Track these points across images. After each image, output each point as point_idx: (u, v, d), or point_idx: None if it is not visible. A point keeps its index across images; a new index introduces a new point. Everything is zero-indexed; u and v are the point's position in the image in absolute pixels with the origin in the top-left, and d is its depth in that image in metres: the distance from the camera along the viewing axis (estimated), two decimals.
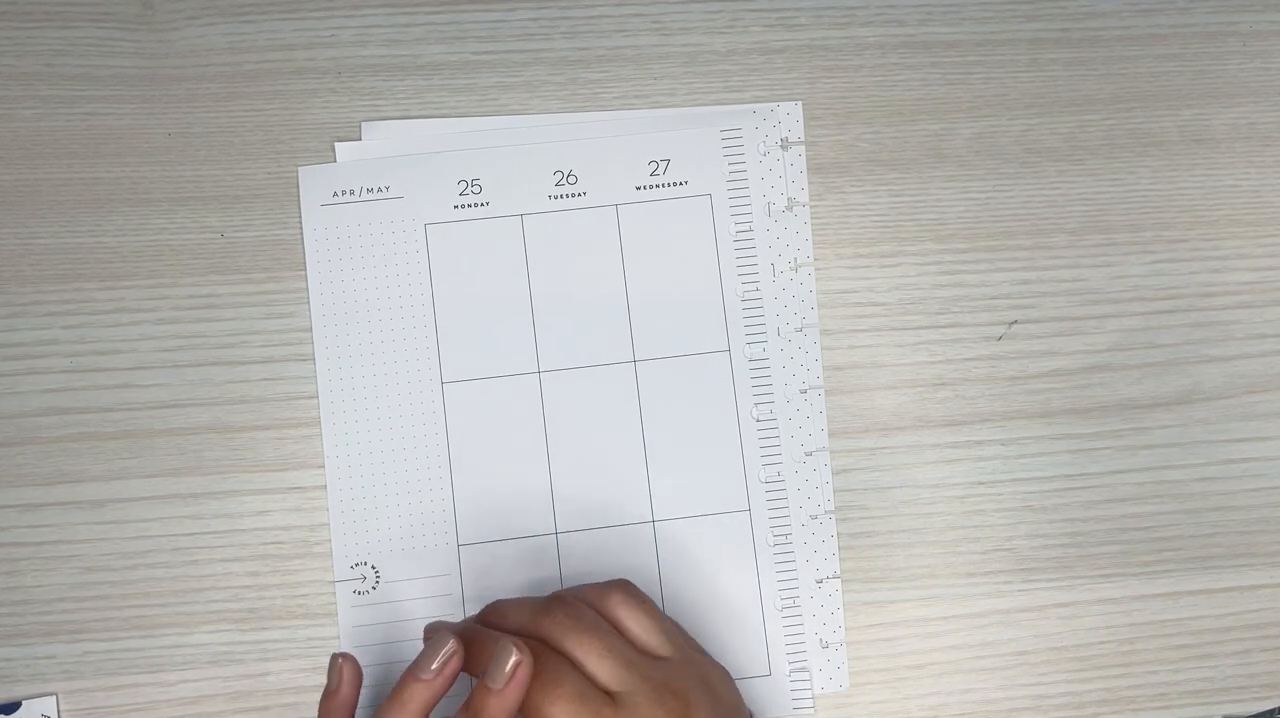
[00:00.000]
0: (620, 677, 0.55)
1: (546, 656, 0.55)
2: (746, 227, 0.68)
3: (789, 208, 0.68)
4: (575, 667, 0.55)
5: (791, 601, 0.66)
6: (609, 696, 0.55)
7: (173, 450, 0.65)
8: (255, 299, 0.66)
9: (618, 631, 0.57)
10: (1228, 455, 0.68)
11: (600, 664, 0.55)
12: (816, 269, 0.67)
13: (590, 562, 0.66)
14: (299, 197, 0.67)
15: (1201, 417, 0.68)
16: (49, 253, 0.66)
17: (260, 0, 0.68)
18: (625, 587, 0.59)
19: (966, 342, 0.68)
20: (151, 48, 0.67)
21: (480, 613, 0.59)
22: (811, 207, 0.68)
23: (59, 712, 0.64)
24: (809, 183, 0.68)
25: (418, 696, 0.55)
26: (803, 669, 0.66)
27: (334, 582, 0.65)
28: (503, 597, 0.60)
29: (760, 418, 0.67)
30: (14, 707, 0.63)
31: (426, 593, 0.65)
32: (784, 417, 0.67)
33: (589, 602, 0.58)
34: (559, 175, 0.67)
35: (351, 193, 0.67)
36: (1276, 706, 0.67)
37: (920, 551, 0.67)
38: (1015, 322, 0.68)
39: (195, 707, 0.64)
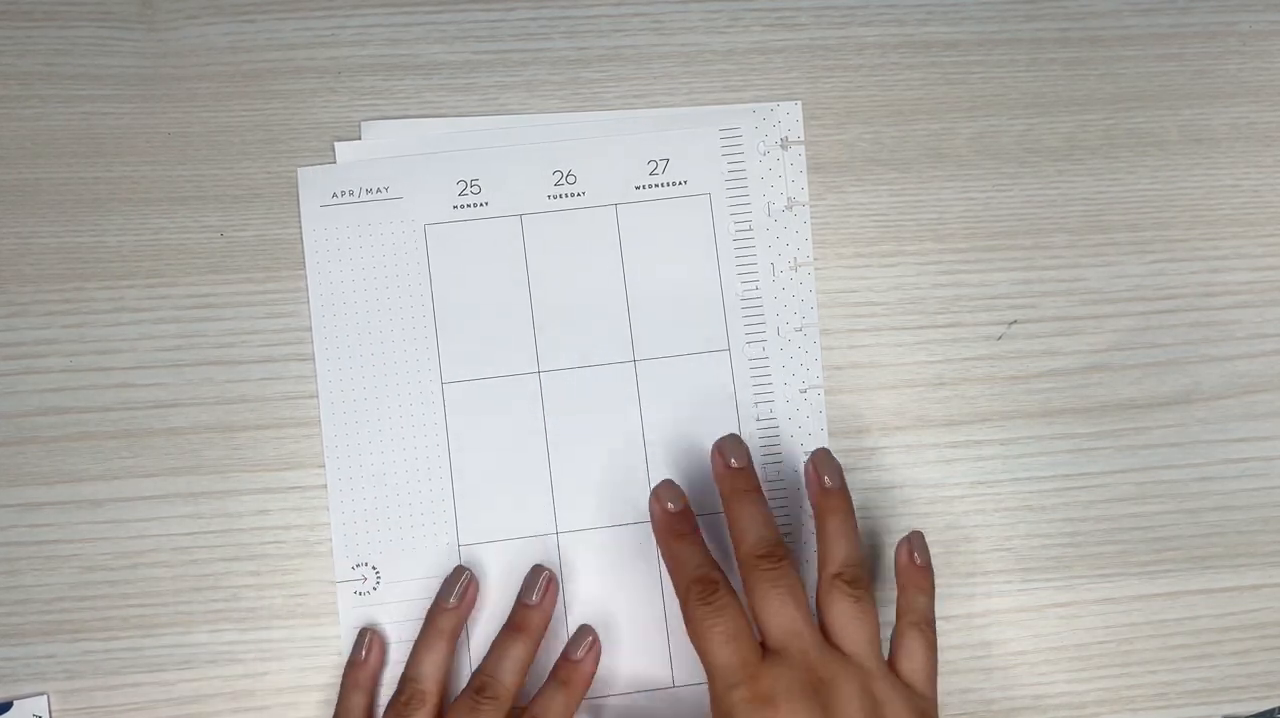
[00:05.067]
0: (785, 640, 0.57)
1: (722, 591, 0.58)
2: (746, 226, 0.68)
3: (789, 207, 0.68)
4: (744, 610, 0.58)
5: None
6: (764, 649, 0.57)
7: (172, 450, 0.65)
8: (255, 299, 0.66)
9: (821, 612, 0.59)
10: (1227, 455, 0.68)
11: (772, 618, 0.58)
12: (816, 269, 0.67)
13: (590, 561, 0.66)
14: (298, 198, 0.67)
15: (1201, 417, 0.68)
16: (49, 252, 0.66)
17: (260, 0, 0.68)
18: (866, 591, 0.60)
19: (966, 341, 0.68)
20: (151, 47, 0.67)
21: (739, 491, 0.62)
22: (811, 206, 0.68)
23: (50, 711, 0.64)
24: (809, 182, 0.68)
25: (448, 622, 0.63)
26: None
27: (335, 582, 0.65)
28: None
29: (760, 418, 0.67)
30: (6, 707, 0.63)
31: (428, 593, 0.64)
32: (784, 416, 0.67)
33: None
34: (558, 175, 0.67)
35: (351, 193, 0.67)
36: (1276, 706, 0.67)
37: None
38: (1015, 321, 0.68)
39: (195, 707, 0.64)
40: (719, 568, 0.60)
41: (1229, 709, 0.67)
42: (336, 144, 0.67)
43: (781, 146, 0.68)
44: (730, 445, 0.62)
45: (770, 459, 0.67)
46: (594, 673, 0.64)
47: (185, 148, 0.67)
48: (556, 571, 0.66)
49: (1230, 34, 0.70)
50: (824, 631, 0.58)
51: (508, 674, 0.61)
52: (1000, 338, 0.68)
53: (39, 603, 0.65)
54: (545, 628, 0.64)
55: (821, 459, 0.62)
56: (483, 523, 0.66)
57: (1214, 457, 0.68)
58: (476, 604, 0.65)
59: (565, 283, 0.67)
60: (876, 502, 0.67)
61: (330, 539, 0.65)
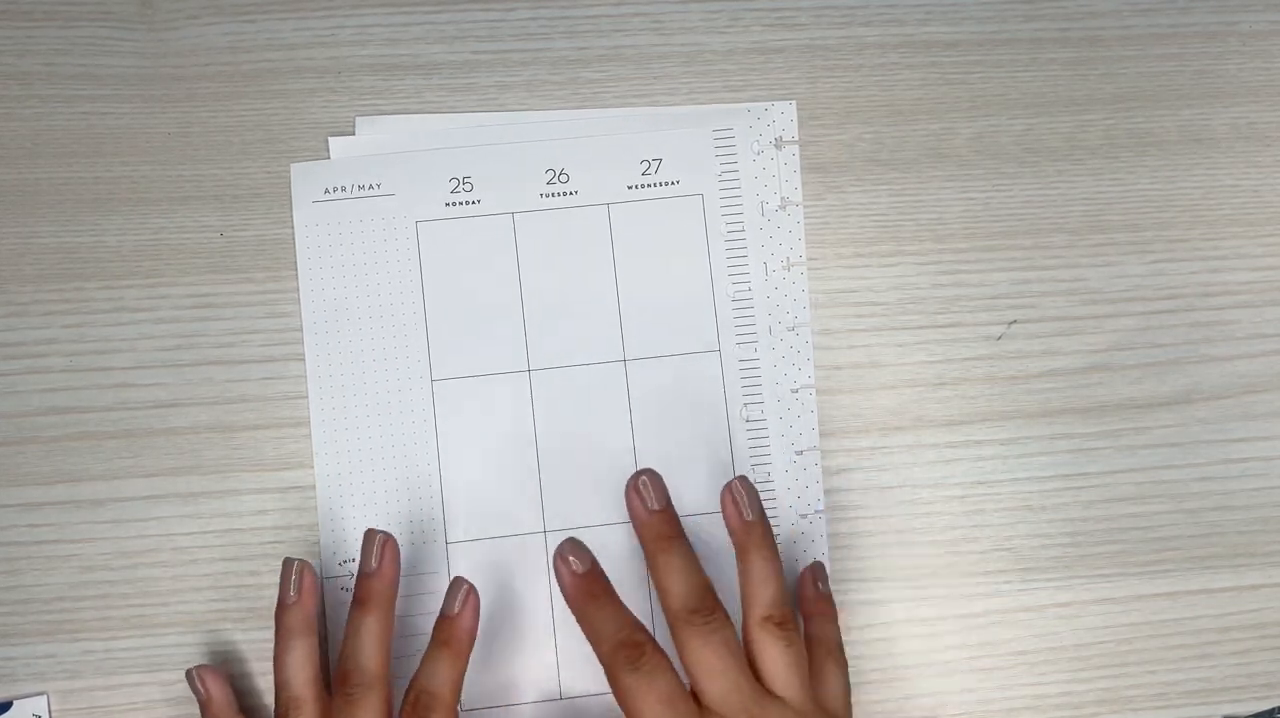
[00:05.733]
0: (723, 697, 0.55)
1: (649, 653, 0.56)
2: (739, 226, 0.68)
3: (782, 207, 0.68)
4: (675, 671, 0.56)
5: None
6: (700, 705, 0.55)
7: (172, 450, 0.66)
8: (254, 298, 0.66)
9: (751, 656, 0.58)
10: (1227, 455, 0.68)
11: (709, 677, 0.56)
12: (816, 269, 0.67)
13: None
14: (290, 193, 0.67)
15: (1201, 417, 0.68)
16: (49, 252, 0.66)
17: (260, 0, 0.68)
18: (795, 631, 0.58)
19: (966, 341, 0.68)
20: (151, 47, 0.68)
21: (662, 545, 0.59)
22: (811, 206, 0.68)
23: (50, 711, 0.64)
24: (809, 182, 0.68)
25: (295, 618, 0.60)
26: None
27: (322, 578, 0.65)
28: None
29: (750, 418, 0.67)
30: (6, 707, 0.63)
31: (414, 590, 0.65)
32: (774, 416, 0.67)
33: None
34: (551, 174, 0.67)
35: (343, 189, 0.67)
36: (1276, 706, 0.67)
37: (919, 550, 0.67)
38: (1015, 321, 0.68)
39: (195, 707, 0.64)
40: (642, 628, 0.57)
41: (1229, 709, 0.67)
42: (330, 138, 0.67)
43: (775, 146, 0.68)
44: (646, 485, 0.60)
45: (760, 460, 0.67)
46: (475, 627, 0.60)
47: (185, 148, 0.67)
48: (544, 569, 0.66)
49: (1230, 34, 0.70)
50: (755, 673, 0.57)
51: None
52: (1000, 338, 0.68)
53: (39, 603, 0.65)
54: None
55: (738, 489, 0.61)
56: (470, 521, 0.66)
57: (1214, 457, 0.68)
58: None
59: (556, 282, 0.67)
60: (876, 502, 0.67)
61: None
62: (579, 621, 0.58)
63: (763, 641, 0.57)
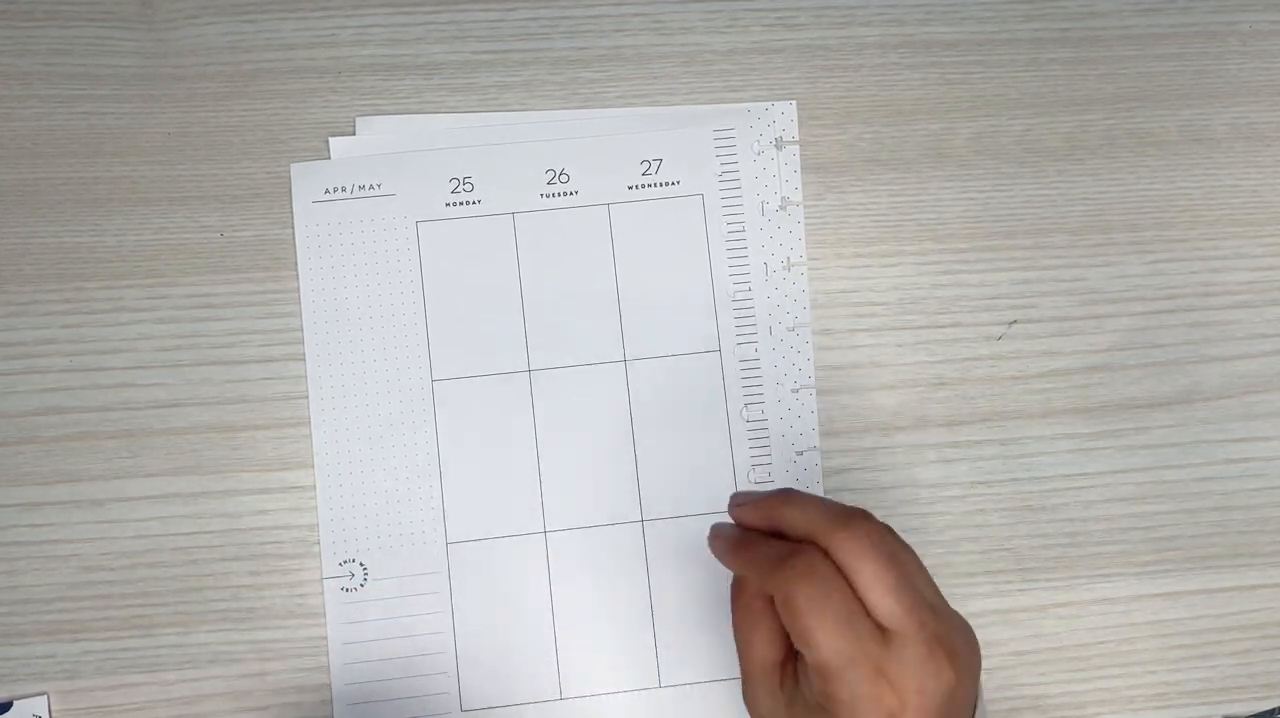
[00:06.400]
0: (901, 616, 0.47)
1: (823, 567, 0.48)
2: (739, 226, 0.68)
3: (783, 207, 0.68)
4: (851, 589, 0.48)
5: None
6: (880, 630, 0.48)
7: (172, 450, 0.65)
8: (254, 298, 0.66)
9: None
10: (1228, 455, 0.68)
11: (884, 597, 0.48)
12: (816, 269, 0.67)
13: (578, 561, 0.66)
14: (290, 193, 0.67)
15: (1201, 417, 0.68)
16: (49, 252, 0.66)
17: (260, 0, 0.68)
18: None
19: (966, 341, 0.68)
20: (151, 47, 0.68)
21: (774, 496, 0.51)
22: (811, 206, 0.68)
23: (50, 711, 0.64)
24: (809, 182, 0.68)
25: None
26: None
27: (322, 578, 0.65)
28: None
29: (750, 418, 0.66)
30: (6, 707, 0.63)
31: (415, 590, 0.65)
32: (775, 416, 0.67)
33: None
34: (551, 174, 0.67)
35: (343, 190, 0.67)
36: (1276, 706, 0.67)
37: (920, 550, 0.65)
38: (1015, 321, 0.68)
39: (194, 706, 0.64)
40: (804, 545, 0.49)
41: (1229, 709, 0.67)
42: (331, 139, 0.67)
43: (776, 146, 0.68)
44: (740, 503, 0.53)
45: (760, 460, 0.66)
46: None
47: (185, 148, 0.67)
48: (544, 569, 0.66)
49: (1230, 34, 0.70)
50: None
51: None
52: (1000, 338, 0.68)
53: (39, 603, 0.65)
54: None
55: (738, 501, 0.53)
56: (471, 521, 0.66)
57: (1214, 457, 0.68)
58: (466, 604, 0.65)
59: (557, 282, 0.67)
60: (877, 502, 0.67)
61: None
62: (739, 569, 0.52)
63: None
